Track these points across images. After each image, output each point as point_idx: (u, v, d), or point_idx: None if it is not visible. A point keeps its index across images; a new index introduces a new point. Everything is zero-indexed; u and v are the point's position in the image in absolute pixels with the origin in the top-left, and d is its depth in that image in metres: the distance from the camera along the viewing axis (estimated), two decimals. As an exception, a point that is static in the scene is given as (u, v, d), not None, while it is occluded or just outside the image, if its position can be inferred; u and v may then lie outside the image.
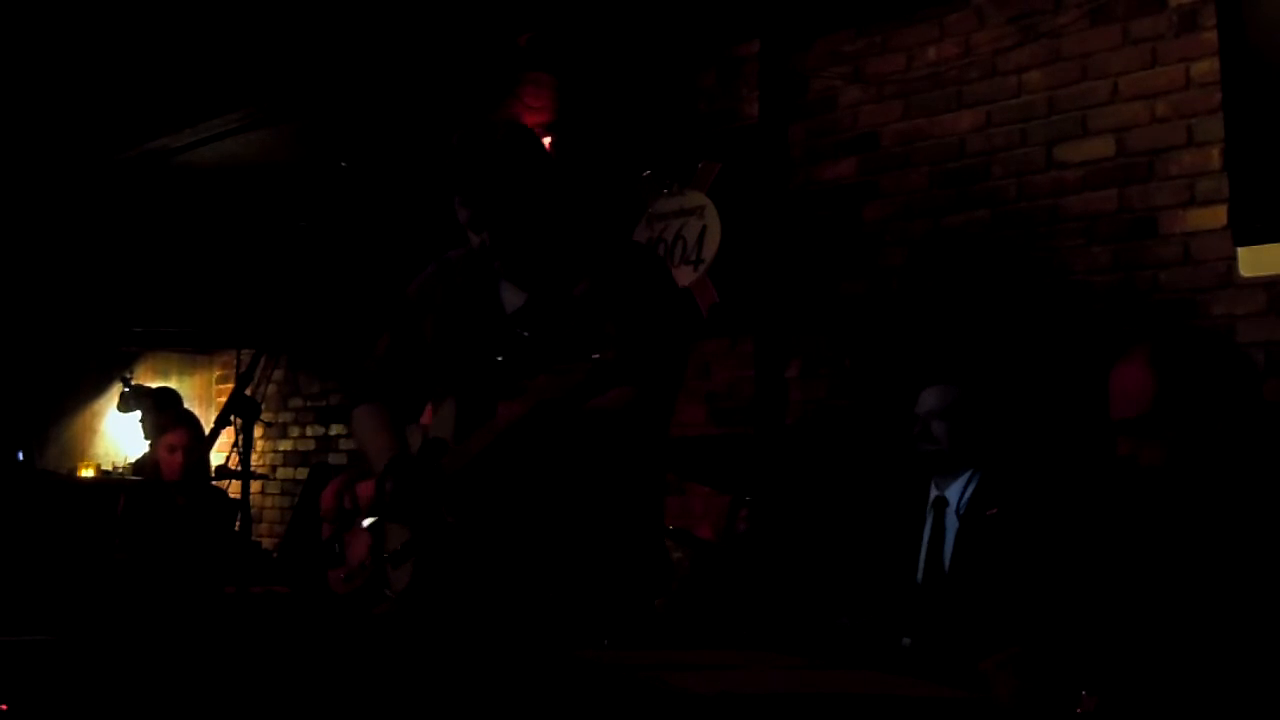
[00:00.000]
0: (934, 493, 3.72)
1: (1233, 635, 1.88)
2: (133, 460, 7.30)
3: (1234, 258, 3.92)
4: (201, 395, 8.39)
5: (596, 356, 2.37)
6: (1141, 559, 2.12)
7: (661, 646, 2.29)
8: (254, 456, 3.24)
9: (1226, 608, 1.91)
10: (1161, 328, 2.17)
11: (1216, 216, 3.98)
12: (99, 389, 8.08)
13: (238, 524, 3.34)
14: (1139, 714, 1.79)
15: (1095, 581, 2.17)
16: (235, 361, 8.02)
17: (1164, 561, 2.06)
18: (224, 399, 3.59)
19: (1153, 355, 2.14)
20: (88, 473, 7.65)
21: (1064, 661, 1.85)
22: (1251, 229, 3.86)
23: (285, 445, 7.73)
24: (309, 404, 7.62)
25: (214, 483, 4.60)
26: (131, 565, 4.26)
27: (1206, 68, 4.02)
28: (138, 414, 6.80)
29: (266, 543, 6.86)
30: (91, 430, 8.17)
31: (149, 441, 4.79)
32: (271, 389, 7.39)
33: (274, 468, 7.68)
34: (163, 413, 5.19)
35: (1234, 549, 1.97)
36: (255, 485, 5.45)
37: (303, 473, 7.30)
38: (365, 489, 3.66)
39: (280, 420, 7.68)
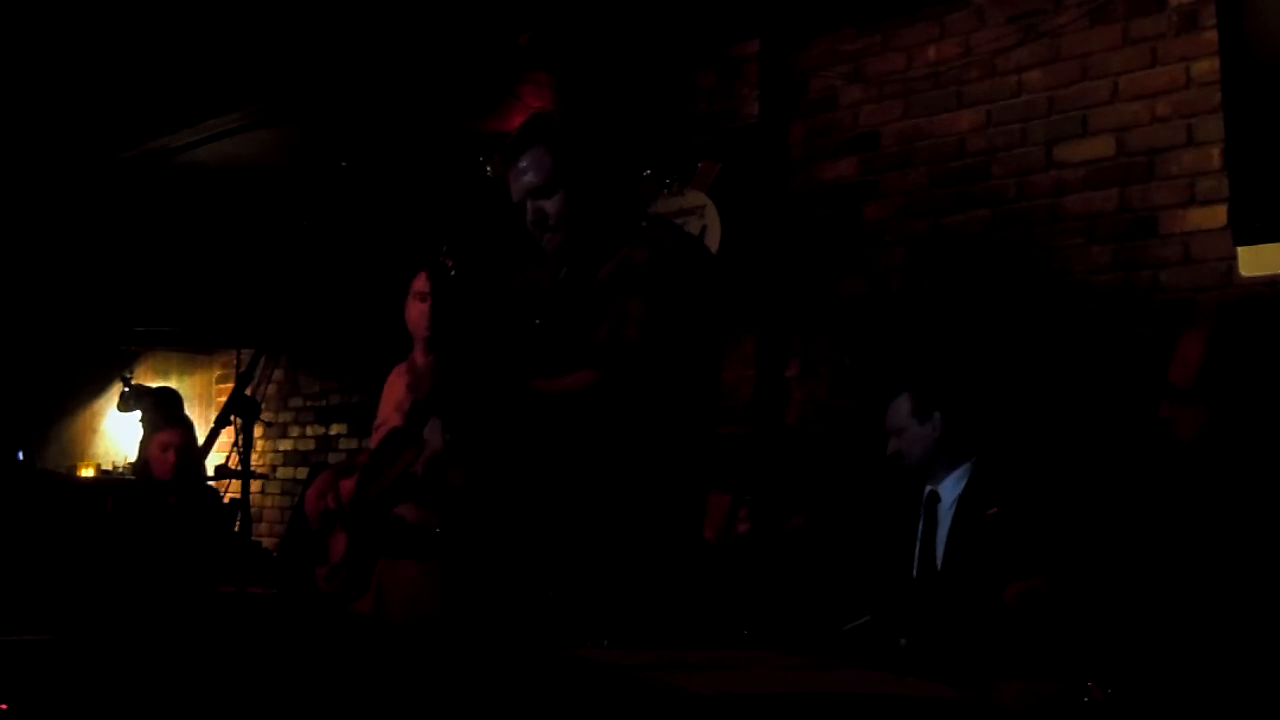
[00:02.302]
0: (927, 488, 3.73)
1: (1254, 617, 1.88)
2: (132, 460, 7.30)
3: (1234, 258, 3.92)
4: (201, 395, 8.40)
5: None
6: (1161, 537, 2.12)
7: (661, 646, 2.29)
8: (254, 456, 3.24)
9: (1248, 589, 1.91)
10: (1230, 306, 2.22)
11: (1216, 216, 3.98)
12: (99, 389, 8.09)
13: (238, 524, 3.34)
14: (1152, 700, 1.78)
15: (1102, 573, 2.17)
16: (235, 361, 8.02)
17: (1186, 539, 2.05)
18: (224, 399, 3.59)
19: (1211, 333, 2.15)
20: (88, 473, 7.66)
21: (1090, 595, 1.85)
22: (1251, 229, 3.86)
23: (285, 445, 7.74)
24: (309, 404, 7.62)
25: (212, 482, 4.59)
26: (119, 565, 4.26)
27: (1206, 68, 4.02)
28: (138, 414, 6.80)
29: (266, 543, 6.87)
30: (91, 430, 8.18)
31: (141, 441, 4.78)
32: (271, 389, 7.40)
33: (274, 468, 7.69)
34: (158, 412, 5.18)
35: (1259, 532, 1.96)
36: (255, 485, 5.45)
37: (303, 472, 7.30)
38: (348, 487, 3.68)
39: (280, 420, 7.69)
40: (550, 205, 2.60)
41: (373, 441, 3.87)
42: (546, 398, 2.48)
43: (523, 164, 2.61)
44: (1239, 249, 3.90)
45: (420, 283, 3.77)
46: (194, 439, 4.63)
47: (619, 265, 2.56)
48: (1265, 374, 2.10)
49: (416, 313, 3.75)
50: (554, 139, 2.61)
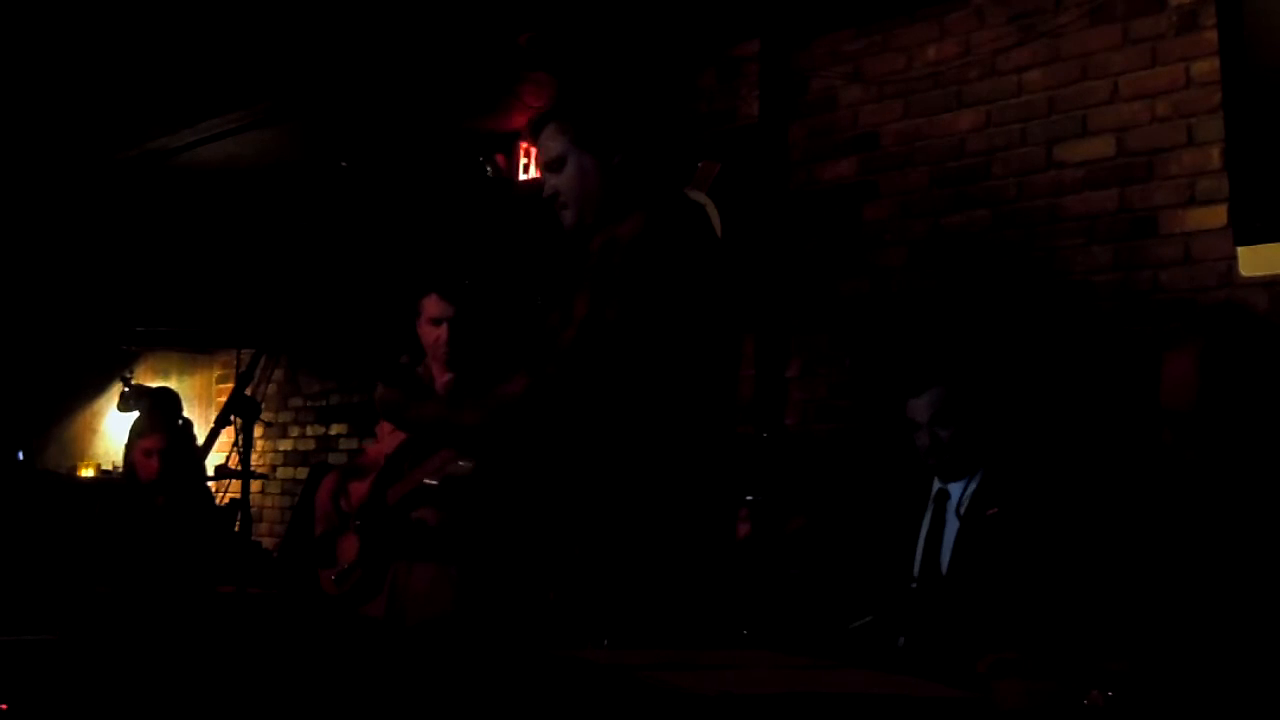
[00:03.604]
0: (937, 485, 3.71)
1: (1259, 637, 1.87)
2: (132, 460, 7.30)
3: (1234, 258, 3.92)
4: (201, 395, 8.39)
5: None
6: (1167, 555, 2.08)
7: (661, 646, 2.29)
8: (254, 456, 3.24)
9: (1255, 609, 1.90)
10: (1217, 319, 2.08)
11: (1216, 216, 3.97)
12: (99, 389, 8.08)
13: (238, 524, 3.33)
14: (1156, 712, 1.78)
15: (1109, 578, 2.15)
16: (235, 361, 8.02)
17: (1191, 559, 2.02)
18: (224, 399, 3.59)
19: (1203, 353, 2.05)
20: (88, 473, 7.66)
21: (1066, 663, 1.83)
22: (1251, 229, 3.86)
23: (285, 445, 7.73)
24: (309, 404, 7.62)
25: (211, 482, 4.58)
26: (109, 566, 4.25)
27: (1206, 68, 4.02)
28: (137, 414, 6.79)
29: (266, 543, 6.86)
30: (91, 430, 8.17)
31: (126, 443, 4.76)
32: (271, 389, 7.40)
33: (274, 468, 7.69)
34: (148, 416, 5.16)
35: (1265, 553, 1.94)
36: (255, 485, 5.45)
37: (303, 473, 7.30)
38: (360, 489, 3.67)
39: (280, 420, 7.68)
40: (560, 181, 2.63)
41: (386, 445, 3.82)
42: (475, 407, 2.56)
43: (543, 139, 2.68)
44: (1239, 249, 3.90)
45: (433, 307, 3.71)
46: (182, 442, 4.61)
47: (582, 255, 2.51)
48: (1265, 386, 2.03)
49: (433, 338, 3.70)
50: (567, 115, 2.67)
